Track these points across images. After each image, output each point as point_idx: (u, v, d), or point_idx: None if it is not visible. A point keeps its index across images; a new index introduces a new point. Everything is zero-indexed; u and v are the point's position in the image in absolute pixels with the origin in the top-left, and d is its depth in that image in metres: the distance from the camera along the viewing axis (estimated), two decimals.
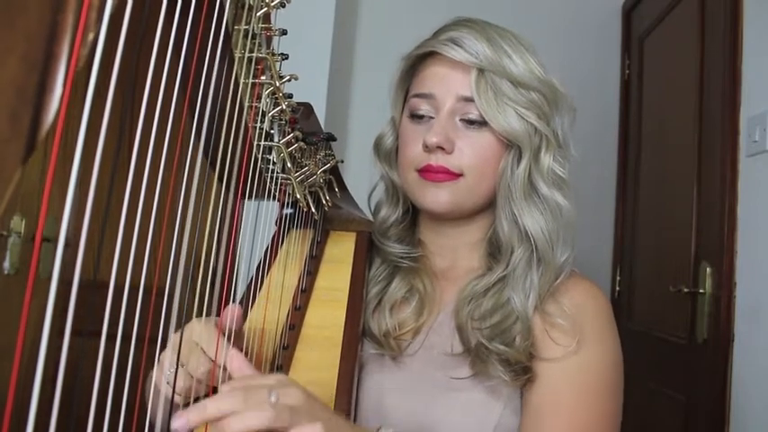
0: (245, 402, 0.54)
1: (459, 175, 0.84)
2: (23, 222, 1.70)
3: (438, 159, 0.83)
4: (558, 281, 0.83)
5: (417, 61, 0.89)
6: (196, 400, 0.62)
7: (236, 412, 0.53)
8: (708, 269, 1.85)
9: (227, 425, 0.53)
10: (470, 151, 0.84)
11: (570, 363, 0.78)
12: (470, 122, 0.84)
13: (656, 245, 2.29)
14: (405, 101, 0.91)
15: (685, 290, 1.93)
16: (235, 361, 0.61)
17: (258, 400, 0.54)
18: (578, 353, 0.78)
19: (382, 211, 0.96)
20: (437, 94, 0.85)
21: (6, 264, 1.69)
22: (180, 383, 0.65)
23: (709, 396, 1.80)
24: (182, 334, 0.63)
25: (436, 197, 0.85)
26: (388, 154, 0.94)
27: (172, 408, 0.63)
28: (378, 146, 0.96)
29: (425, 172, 0.84)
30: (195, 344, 0.65)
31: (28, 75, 0.25)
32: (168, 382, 0.65)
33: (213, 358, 0.64)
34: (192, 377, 0.65)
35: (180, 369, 0.64)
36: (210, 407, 0.54)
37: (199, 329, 0.65)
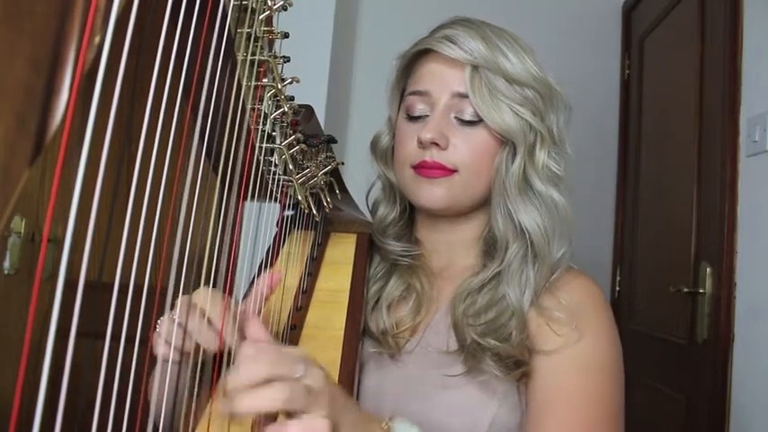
0: (270, 370, 0.51)
1: (453, 171, 0.84)
2: (23, 222, 1.71)
3: (433, 155, 0.84)
4: (555, 276, 0.84)
5: (413, 59, 0.90)
6: (196, 363, 0.62)
7: (251, 390, 0.50)
8: (708, 269, 1.85)
9: (239, 401, 0.50)
10: (465, 147, 0.84)
11: (571, 353, 0.79)
12: (465, 119, 0.84)
13: (656, 245, 2.30)
14: (401, 99, 0.91)
15: (685, 290, 1.94)
16: (253, 326, 0.59)
17: (284, 373, 0.51)
18: (578, 343, 0.79)
19: (380, 210, 0.97)
20: (432, 91, 0.85)
21: (6, 264, 1.69)
22: (177, 341, 0.62)
23: (709, 396, 1.80)
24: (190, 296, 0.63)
25: (431, 193, 0.85)
26: (384, 153, 0.95)
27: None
28: (374, 145, 0.97)
29: (420, 168, 0.85)
30: (196, 305, 0.63)
31: (35, 77, 0.25)
32: (164, 338, 0.63)
33: (214, 322, 0.62)
34: (180, 328, 0.62)
35: (177, 327, 0.62)
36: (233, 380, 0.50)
37: (204, 294, 0.63)
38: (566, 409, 0.76)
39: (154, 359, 0.64)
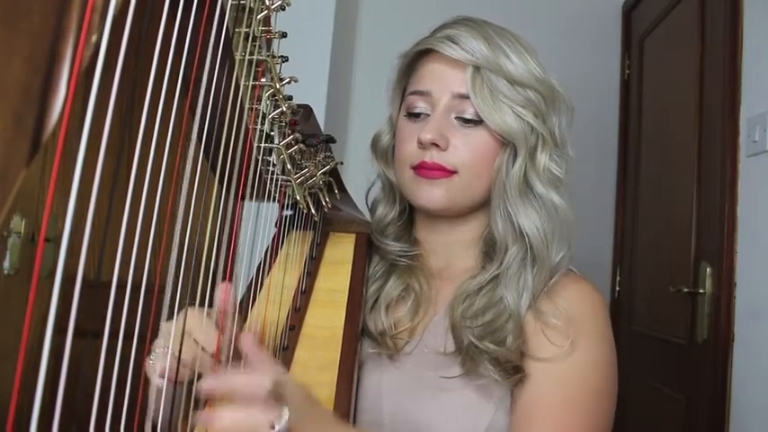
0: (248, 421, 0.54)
1: (453, 173, 0.84)
2: (23, 222, 1.71)
3: (432, 156, 0.83)
4: (553, 280, 0.83)
5: (415, 59, 0.90)
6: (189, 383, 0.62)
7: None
8: (708, 269, 1.85)
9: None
10: (465, 149, 0.84)
11: (563, 364, 0.78)
12: (466, 120, 0.84)
13: (656, 245, 2.30)
14: (402, 99, 0.91)
15: (685, 290, 1.93)
16: (248, 342, 0.59)
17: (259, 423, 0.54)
18: (571, 354, 0.78)
19: (379, 209, 0.97)
20: (433, 92, 0.85)
21: (6, 264, 1.69)
22: (162, 364, 0.62)
23: (709, 396, 1.80)
24: (183, 323, 0.62)
25: (430, 194, 0.85)
26: (384, 152, 0.95)
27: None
28: (375, 144, 0.96)
29: (420, 169, 0.84)
30: (187, 332, 0.63)
31: (32, 76, 0.25)
32: (152, 364, 0.64)
33: (205, 347, 0.62)
34: (175, 359, 0.63)
35: (164, 351, 0.63)
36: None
37: (197, 319, 0.63)
38: (548, 419, 0.76)
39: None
